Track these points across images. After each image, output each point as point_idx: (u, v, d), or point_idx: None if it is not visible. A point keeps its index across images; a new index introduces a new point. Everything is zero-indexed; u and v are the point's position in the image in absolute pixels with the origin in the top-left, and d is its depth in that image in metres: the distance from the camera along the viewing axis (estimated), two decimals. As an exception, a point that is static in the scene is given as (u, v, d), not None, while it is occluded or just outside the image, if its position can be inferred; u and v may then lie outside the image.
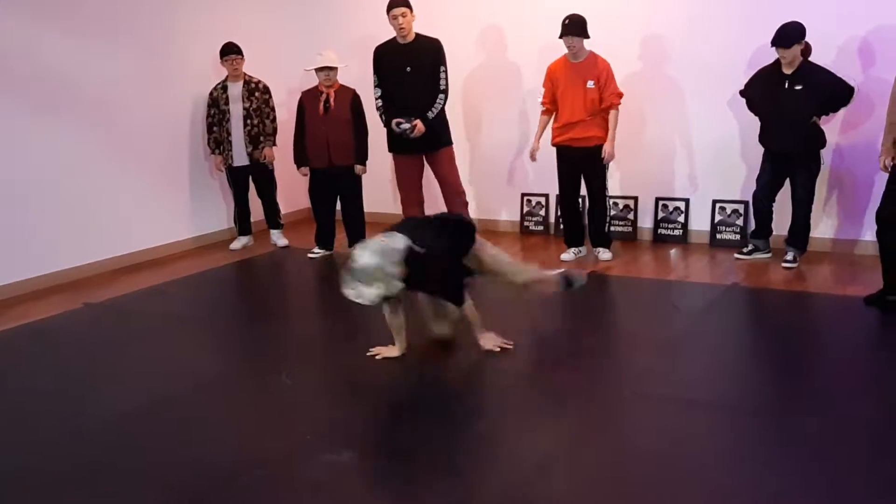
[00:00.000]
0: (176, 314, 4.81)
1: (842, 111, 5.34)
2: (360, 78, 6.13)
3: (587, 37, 5.39)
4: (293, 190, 7.17)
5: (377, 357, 3.86)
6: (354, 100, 5.93)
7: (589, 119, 5.45)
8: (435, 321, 4.08)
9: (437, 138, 5.69)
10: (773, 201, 5.44)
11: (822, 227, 5.74)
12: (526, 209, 6.82)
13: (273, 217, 6.62)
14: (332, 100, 5.85)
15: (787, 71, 5.10)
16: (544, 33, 6.34)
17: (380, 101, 5.78)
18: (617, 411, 3.26)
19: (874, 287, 4.56)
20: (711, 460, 2.82)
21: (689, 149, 6.14)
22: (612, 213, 5.72)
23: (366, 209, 6.18)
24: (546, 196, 6.71)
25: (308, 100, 5.95)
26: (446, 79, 5.65)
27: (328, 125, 5.85)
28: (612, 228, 6.02)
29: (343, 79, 6.02)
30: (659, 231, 6.31)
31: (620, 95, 5.46)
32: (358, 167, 5.95)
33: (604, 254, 5.69)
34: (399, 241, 3.53)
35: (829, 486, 2.59)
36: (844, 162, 5.59)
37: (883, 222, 4.36)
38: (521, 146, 6.74)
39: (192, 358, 4.05)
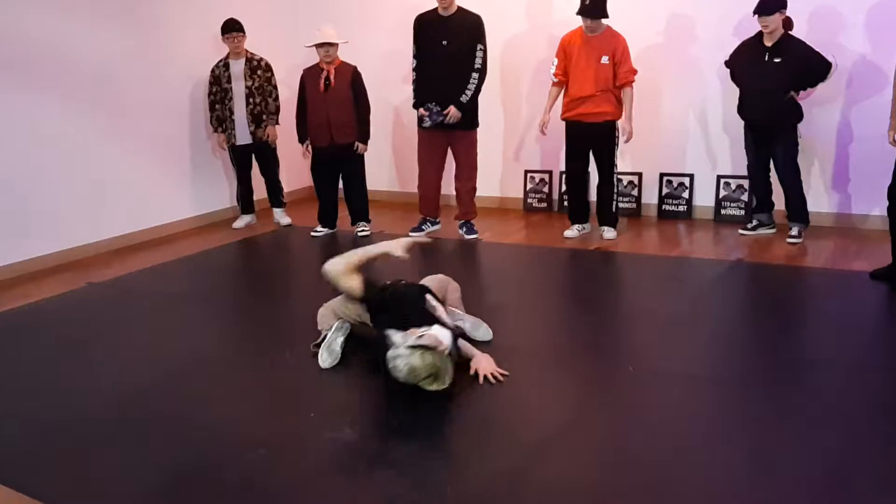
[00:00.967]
0: (179, 293, 4.80)
1: (838, 85, 5.30)
2: (364, 54, 6.07)
3: (606, 17, 5.31)
4: (296, 168, 7.15)
5: None
6: (355, 77, 5.86)
7: (599, 94, 5.39)
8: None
9: (467, 120, 5.62)
10: (767, 172, 5.42)
11: (829, 202, 5.71)
12: (529, 186, 6.78)
13: (276, 195, 6.60)
14: (332, 77, 5.79)
15: (768, 43, 5.10)
16: (555, 8, 6.29)
17: (414, 76, 5.73)
18: (620, 386, 3.24)
19: (881, 262, 4.53)
20: (714, 436, 2.81)
21: (693, 124, 6.09)
22: (617, 189, 5.67)
23: (368, 187, 6.15)
24: (549, 173, 6.67)
25: (309, 77, 5.90)
26: (483, 58, 5.56)
27: (329, 103, 5.80)
28: (618, 205, 5.96)
29: (349, 55, 5.95)
30: (663, 207, 6.28)
31: (635, 73, 5.40)
32: (359, 146, 5.90)
33: (608, 232, 5.65)
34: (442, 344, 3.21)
35: (831, 462, 2.58)
36: (853, 136, 5.55)
37: (894, 197, 4.33)
38: (524, 122, 6.69)
39: (195, 337, 4.05)
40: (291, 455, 2.78)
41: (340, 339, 3.64)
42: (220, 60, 6.28)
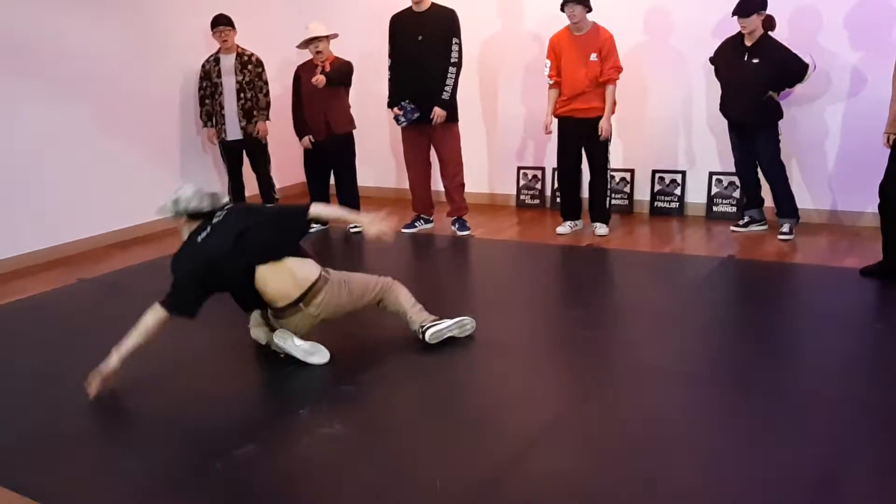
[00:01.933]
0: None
1: (841, 85, 5.32)
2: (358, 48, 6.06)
3: (590, 8, 5.31)
4: (287, 164, 7.13)
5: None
6: (346, 65, 5.84)
7: (591, 91, 5.39)
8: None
9: (447, 113, 5.61)
10: (755, 168, 5.44)
11: (821, 199, 5.72)
12: (522, 182, 6.79)
13: (267, 192, 6.58)
14: (326, 71, 5.78)
15: (748, 43, 5.14)
16: (546, 4, 6.28)
17: (389, 75, 5.73)
18: (609, 383, 3.25)
19: (872, 259, 4.55)
20: (704, 432, 2.82)
21: (685, 121, 6.10)
22: (609, 185, 5.67)
23: (362, 183, 6.15)
24: (542, 169, 6.67)
25: (304, 72, 5.89)
26: (459, 51, 5.56)
27: (324, 97, 5.79)
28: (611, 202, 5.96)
29: (350, 51, 5.92)
30: (655, 204, 6.29)
31: (619, 70, 5.39)
32: (318, 78, 5.59)
33: (600, 229, 5.66)
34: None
35: (821, 458, 2.59)
36: (845, 134, 5.56)
37: (886, 195, 4.35)
38: (517, 119, 6.69)
39: (186, 333, 4.02)
40: (282, 451, 2.79)
41: (292, 340, 3.52)
42: (211, 55, 6.26)
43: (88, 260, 5.52)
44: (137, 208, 6.18)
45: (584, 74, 5.36)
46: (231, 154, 6.40)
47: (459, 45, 5.55)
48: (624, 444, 2.76)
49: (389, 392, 3.24)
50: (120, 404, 3.22)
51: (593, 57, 5.34)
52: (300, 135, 5.97)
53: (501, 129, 6.79)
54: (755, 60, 5.12)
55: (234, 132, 6.29)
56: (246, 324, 3.89)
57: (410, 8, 5.61)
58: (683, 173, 6.18)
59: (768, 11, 5.07)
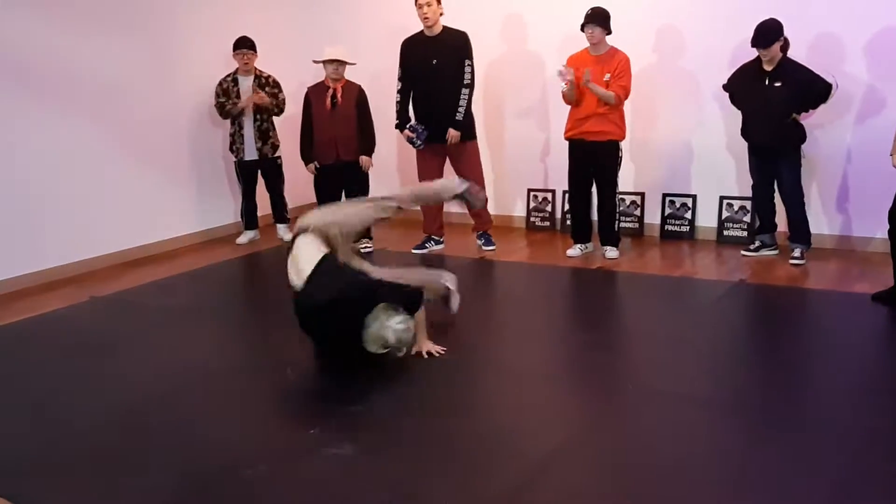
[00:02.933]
0: (182, 308, 4.82)
1: (855, 108, 5.34)
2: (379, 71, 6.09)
3: (609, 30, 5.35)
4: (299, 185, 7.17)
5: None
6: (360, 96, 5.92)
7: (602, 113, 5.41)
8: None
9: (463, 134, 5.66)
10: (772, 194, 5.43)
11: (832, 224, 5.71)
12: (532, 205, 6.80)
13: (280, 211, 6.63)
14: (339, 95, 5.84)
15: (768, 67, 5.13)
16: (554, 26, 6.33)
17: (398, 99, 5.79)
18: (621, 407, 3.24)
19: (882, 284, 4.53)
20: (713, 457, 2.81)
21: (696, 145, 6.11)
22: (620, 209, 5.68)
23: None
24: (552, 192, 6.69)
25: (314, 95, 5.94)
26: (472, 73, 5.63)
27: (335, 120, 5.84)
28: (620, 225, 5.96)
29: (359, 72, 5.96)
30: (666, 227, 6.29)
31: (625, 90, 5.35)
32: (363, 158, 5.92)
33: (610, 252, 5.66)
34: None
35: (832, 486, 2.58)
36: (856, 159, 5.56)
37: (895, 221, 4.34)
38: (527, 141, 6.72)
39: (198, 351, 4.06)
40: (292, 471, 2.79)
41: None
42: (229, 75, 6.32)
43: (101, 278, 5.55)
44: (149, 227, 6.23)
45: (594, 96, 5.38)
46: (247, 174, 6.45)
47: (472, 66, 5.62)
48: (636, 469, 2.75)
49: (400, 413, 3.24)
50: (130, 421, 3.23)
51: (607, 77, 5.37)
52: (306, 160, 6.03)
53: (511, 151, 6.81)
54: (777, 84, 5.10)
55: (251, 153, 6.34)
56: (255, 345, 3.89)
57: (422, 32, 5.67)
58: (694, 197, 6.18)
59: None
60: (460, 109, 5.58)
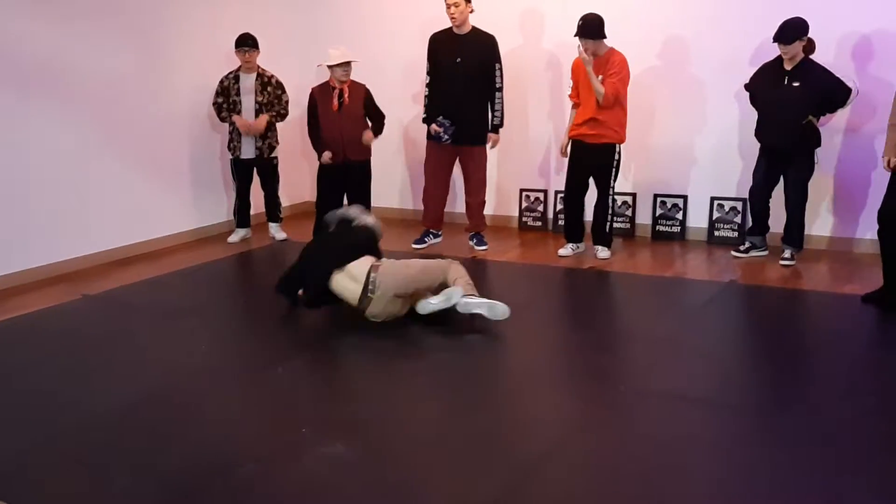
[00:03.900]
0: (174, 306, 4.81)
1: (846, 111, 5.35)
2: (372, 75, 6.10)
3: (603, 37, 5.35)
4: (291, 184, 7.17)
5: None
6: (368, 96, 5.92)
7: (601, 115, 5.41)
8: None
9: (477, 135, 5.73)
10: (769, 197, 5.44)
11: (821, 225, 5.75)
12: (524, 204, 6.82)
13: (274, 210, 6.62)
14: (346, 95, 5.82)
15: (788, 67, 5.11)
16: (552, 29, 6.36)
17: (426, 93, 5.86)
18: (612, 407, 3.26)
19: (872, 285, 4.56)
20: (706, 457, 2.83)
21: (688, 146, 6.14)
22: (612, 209, 5.70)
23: (375, 203, 6.20)
24: (545, 192, 6.71)
25: (320, 96, 5.92)
26: (502, 76, 5.71)
27: (343, 120, 5.83)
28: (612, 226, 5.97)
29: (367, 74, 5.98)
30: (657, 228, 6.31)
31: (614, 89, 5.26)
32: (367, 134, 5.86)
33: (602, 252, 5.67)
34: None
35: (823, 485, 2.60)
36: (845, 161, 5.60)
37: (885, 222, 4.36)
38: (521, 141, 6.73)
39: (189, 350, 4.05)
40: (283, 470, 2.79)
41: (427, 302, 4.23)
42: (231, 73, 6.29)
43: (92, 276, 5.54)
44: (141, 225, 6.21)
45: (595, 98, 5.39)
46: (243, 172, 6.44)
47: (502, 70, 5.71)
48: (628, 468, 2.76)
49: (392, 413, 3.25)
50: (120, 421, 3.22)
51: (600, 79, 5.39)
52: (319, 150, 5.99)
53: (504, 151, 6.82)
54: (795, 84, 5.08)
55: (248, 151, 6.33)
56: (246, 344, 3.90)
57: (450, 29, 5.69)
58: (685, 198, 6.21)
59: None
60: (497, 114, 5.73)
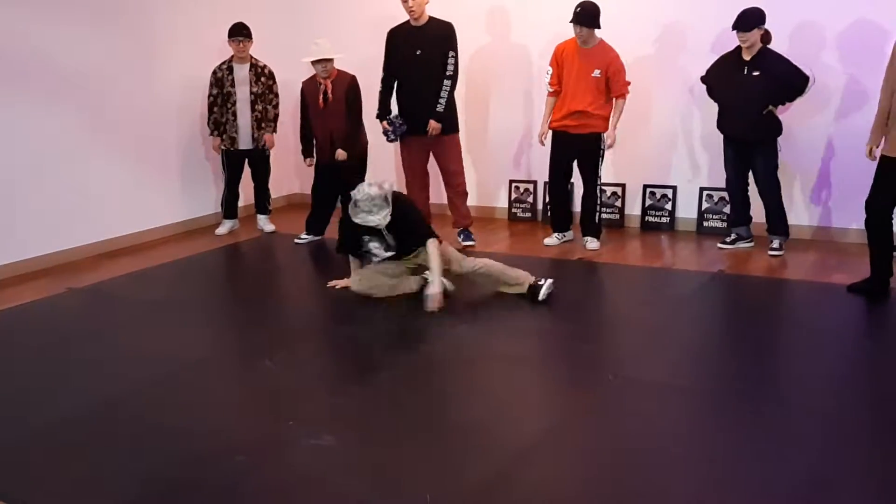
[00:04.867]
0: (161, 299, 4.79)
1: (835, 101, 5.38)
2: (366, 58, 6.03)
3: (598, 27, 5.35)
4: (280, 176, 7.14)
5: (336, 287, 4.73)
6: (351, 86, 5.82)
7: (588, 106, 5.42)
8: (405, 278, 4.62)
9: (446, 125, 5.61)
10: (747, 185, 5.47)
11: (810, 216, 5.77)
12: (514, 196, 6.81)
13: (263, 202, 6.59)
14: (329, 91, 5.77)
15: (747, 57, 5.16)
16: (537, 17, 6.33)
17: (381, 89, 5.75)
18: (600, 396, 3.26)
19: (859, 275, 4.58)
20: (695, 445, 2.83)
21: (677, 137, 6.14)
22: (600, 200, 5.70)
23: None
24: (534, 183, 6.70)
25: (309, 91, 5.88)
26: (455, 64, 5.58)
27: (329, 118, 5.79)
28: (601, 216, 5.97)
29: (354, 60, 5.91)
30: (646, 218, 6.32)
31: (628, 84, 5.45)
32: (339, 151, 5.81)
33: (591, 243, 5.67)
34: (386, 184, 4.39)
35: (809, 474, 2.61)
36: (833, 151, 5.61)
37: (872, 211, 4.38)
38: (509, 132, 6.72)
39: (176, 343, 4.03)
40: (270, 462, 2.78)
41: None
42: (224, 63, 6.24)
43: (77, 269, 5.50)
44: (128, 218, 6.17)
45: (583, 89, 5.39)
46: (234, 164, 6.40)
47: (456, 58, 5.57)
48: (615, 456, 2.76)
49: (380, 404, 3.24)
50: (107, 414, 3.20)
51: (596, 73, 5.37)
52: (305, 154, 6.00)
53: (493, 142, 6.81)
54: (755, 73, 5.12)
55: (245, 142, 6.29)
56: (234, 336, 3.88)
57: (408, 22, 5.62)
58: (674, 188, 6.21)
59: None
60: (441, 101, 5.54)
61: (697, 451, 2.80)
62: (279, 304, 4.76)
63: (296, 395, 3.37)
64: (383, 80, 5.76)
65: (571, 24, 5.34)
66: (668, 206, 6.23)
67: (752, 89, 5.13)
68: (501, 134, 6.76)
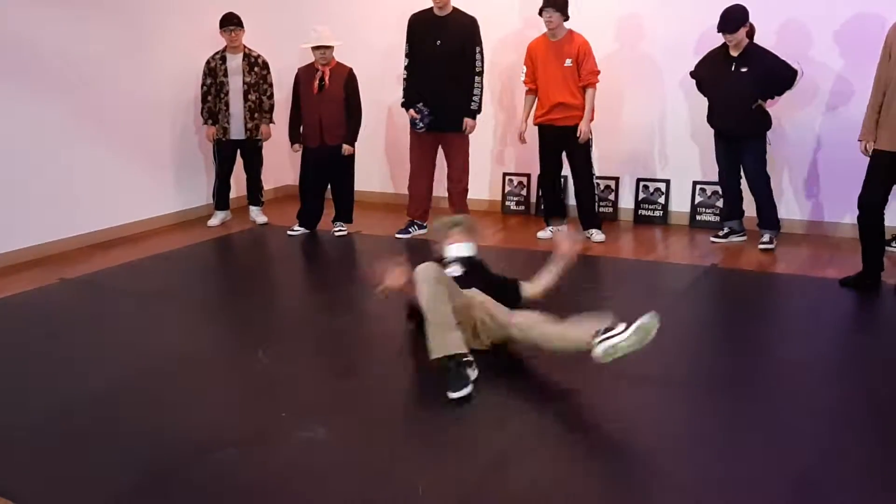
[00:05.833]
0: (153, 291, 4.77)
1: (824, 95, 5.39)
2: (358, 55, 6.04)
3: (566, 16, 5.35)
4: (273, 168, 7.12)
5: (383, 292, 3.54)
6: (349, 78, 5.84)
7: (568, 97, 5.43)
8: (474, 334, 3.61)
9: (458, 120, 5.63)
10: (740, 179, 5.48)
11: (802, 210, 5.78)
12: (507, 189, 6.80)
13: (255, 193, 6.57)
14: (326, 78, 5.77)
15: (734, 53, 5.18)
16: (524, 10, 6.33)
17: (405, 76, 5.74)
18: (592, 389, 3.26)
19: (851, 270, 4.59)
20: (687, 439, 2.84)
21: (670, 131, 6.14)
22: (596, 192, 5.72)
23: (357, 188, 6.15)
24: (528, 176, 6.70)
25: (304, 77, 5.87)
26: (482, 60, 5.58)
27: (322, 104, 5.78)
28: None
29: (344, 55, 5.91)
30: (640, 212, 6.33)
31: (597, 73, 5.45)
32: (345, 147, 5.86)
33: (597, 235, 5.68)
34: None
35: (801, 468, 2.62)
36: (825, 145, 5.62)
37: (864, 207, 4.39)
38: (502, 125, 6.71)
39: (169, 335, 4.02)
40: (262, 455, 2.77)
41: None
42: (217, 53, 6.22)
43: (70, 260, 5.48)
44: (120, 209, 6.16)
45: (560, 79, 5.41)
46: (226, 154, 6.38)
47: (482, 53, 5.58)
48: (607, 451, 2.77)
49: (372, 396, 3.24)
50: (99, 405, 3.20)
51: (568, 62, 5.40)
52: (292, 140, 5.97)
53: (486, 135, 6.80)
54: (743, 69, 5.15)
55: (237, 132, 6.26)
56: (226, 328, 3.86)
57: (431, 10, 5.58)
58: (668, 182, 6.22)
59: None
60: (475, 98, 5.58)
61: (687, 446, 2.80)
62: (271, 296, 4.74)
63: (288, 387, 3.37)
64: (407, 67, 5.73)
65: (541, 14, 5.34)
66: (662, 200, 6.24)
67: (740, 85, 5.15)
68: (495, 127, 6.75)
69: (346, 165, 5.97)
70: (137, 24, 6.15)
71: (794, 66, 5.12)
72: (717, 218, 5.97)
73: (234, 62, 6.19)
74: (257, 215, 6.56)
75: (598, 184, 5.85)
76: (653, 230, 6.09)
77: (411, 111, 5.67)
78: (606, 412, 3.08)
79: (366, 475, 2.63)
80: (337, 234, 6.01)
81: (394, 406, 3.15)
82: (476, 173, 6.88)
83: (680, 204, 6.20)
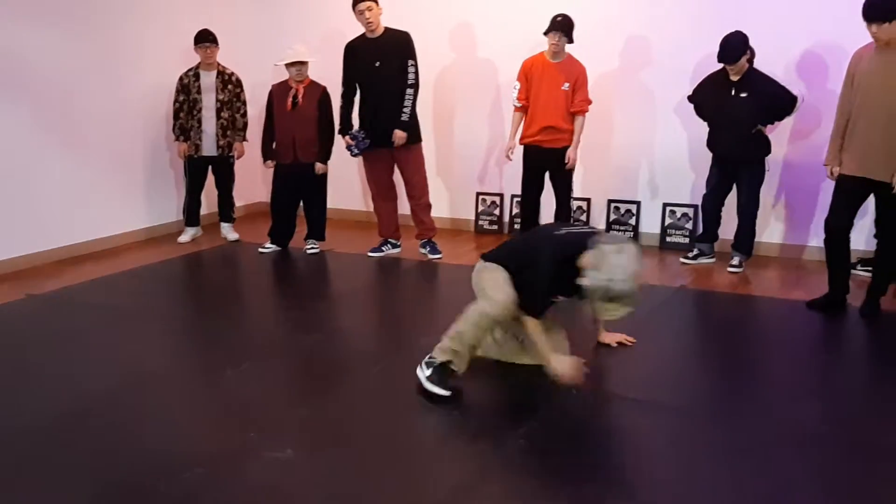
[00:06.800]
0: (122, 307, 4.72)
1: (790, 120, 5.47)
2: (331, 73, 6.03)
3: (571, 40, 5.40)
4: (245, 184, 7.08)
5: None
6: (323, 97, 5.84)
7: (559, 120, 5.47)
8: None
9: (408, 135, 5.59)
10: (722, 205, 5.53)
11: (770, 233, 5.86)
12: (481, 208, 6.83)
13: (227, 210, 6.53)
14: (300, 96, 5.76)
15: (734, 78, 5.20)
16: (502, 32, 6.38)
17: (341, 104, 5.73)
18: (565, 410, 3.27)
19: (818, 292, 4.66)
20: (655, 459, 2.85)
21: (641, 152, 6.21)
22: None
23: (330, 205, 6.14)
24: (500, 196, 6.73)
25: (277, 94, 5.86)
26: (416, 73, 5.56)
27: (295, 121, 5.78)
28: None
29: (314, 74, 5.93)
30: (611, 233, 6.37)
31: (590, 102, 5.51)
32: (318, 165, 5.86)
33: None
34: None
35: (772, 488, 2.64)
36: (792, 169, 5.71)
37: (831, 230, 4.46)
38: (476, 145, 6.75)
39: (137, 352, 3.97)
40: (230, 474, 2.75)
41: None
42: (190, 70, 6.19)
43: (38, 275, 5.40)
44: (90, 224, 6.08)
45: (554, 103, 5.44)
46: (197, 170, 6.33)
47: (416, 66, 5.56)
48: (581, 471, 2.77)
49: (342, 416, 3.22)
50: (65, 423, 3.14)
51: (565, 86, 5.43)
52: (265, 156, 5.95)
53: (460, 154, 6.84)
54: (743, 94, 5.16)
55: (209, 149, 6.23)
56: (195, 346, 3.82)
57: (364, 35, 5.61)
58: (638, 204, 6.28)
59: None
60: (405, 110, 5.52)
61: (659, 465, 2.82)
62: (242, 314, 4.71)
63: (258, 406, 3.34)
64: (343, 95, 5.72)
65: (547, 35, 5.37)
66: (632, 221, 6.30)
67: (740, 110, 5.16)
68: (468, 146, 6.78)
69: (319, 183, 5.95)
70: (110, 38, 6.11)
71: (795, 92, 5.17)
72: (687, 240, 6.04)
73: (208, 79, 6.17)
74: (229, 232, 6.52)
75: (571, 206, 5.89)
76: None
77: (347, 137, 5.66)
78: (576, 430, 3.09)
79: (334, 494, 2.61)
80: (309, 252, 5.98)
81: (363, 426, 3.14)
82: (449, 192, 6.92)
83: (650, 225, 6.26)
